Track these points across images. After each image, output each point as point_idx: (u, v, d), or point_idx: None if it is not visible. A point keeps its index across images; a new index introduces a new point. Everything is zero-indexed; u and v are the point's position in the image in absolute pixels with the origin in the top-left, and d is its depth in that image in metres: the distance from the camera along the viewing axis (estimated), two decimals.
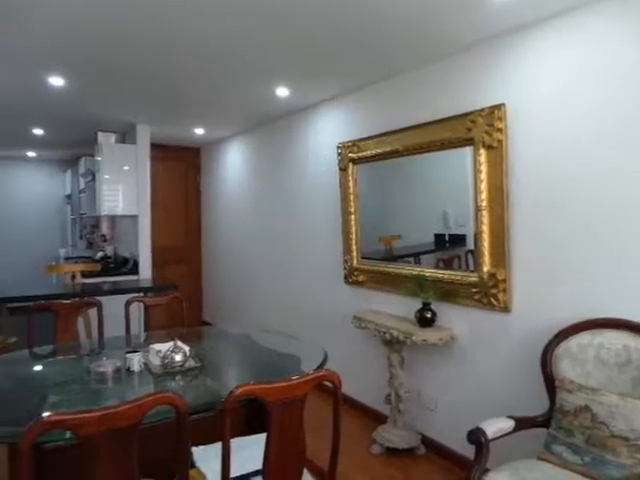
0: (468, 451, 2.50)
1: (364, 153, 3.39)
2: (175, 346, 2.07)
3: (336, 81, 3.40)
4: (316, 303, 4.06)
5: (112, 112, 4.42)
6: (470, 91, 2.69)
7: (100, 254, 6.15)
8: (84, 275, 4.34)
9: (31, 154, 7.11)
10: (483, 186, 2.59)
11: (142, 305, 3.18)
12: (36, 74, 3.16)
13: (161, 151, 5.66)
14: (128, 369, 2.04)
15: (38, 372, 2.34)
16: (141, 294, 3.55)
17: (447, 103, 2.81)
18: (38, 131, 5.26)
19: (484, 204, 2.59)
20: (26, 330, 2.71)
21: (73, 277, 4.12)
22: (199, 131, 5.25)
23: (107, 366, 2.00)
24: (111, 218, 6.41)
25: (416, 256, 3.23)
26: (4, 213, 7.52)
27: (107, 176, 4.78)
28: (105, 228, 6.91)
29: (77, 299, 3.13)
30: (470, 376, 2.74)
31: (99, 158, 4.89)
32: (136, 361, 2.04)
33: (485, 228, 2.59)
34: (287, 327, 4.15)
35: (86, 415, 1.17)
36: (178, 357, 2.02)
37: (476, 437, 1.93)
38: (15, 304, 3.48)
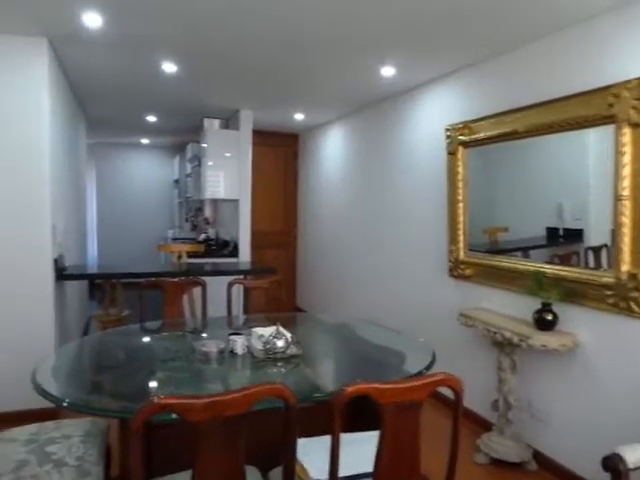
0: (592, 474, 2.20)
1: (476, 135, 3.11)
2: (277, 332, 2.02)
3: (447, 56, 3.13)
4: (417, 296, 3.86)
5: (217, 98, 4.54)
6: (610, 61, 2.30)
7: (203, 236, 6.46)
8: (189, 255, 4.53)
9: (145, 141, 7.64)
10: (626, 172, 2.21)
11: (242, 287, 3.22)
12: (152, 60, 3.30)
13: (261, 137, 5.75)
14: (231, 351, 2.03)
15: (147, 346, 2.43)
16: (241, 276, 3.61)
17: (580, 76, 2.45)
18: (151, 118, 5.59)
19: (626, 193, 2.21)
20: (138, 304, 2.85)
21: (179, 257, 4.33)
22: (299, 116, 5.24)
23: (211, 346, 2.00)
24: (214, 202, 6.68)
25: (525, 250, 2.92)
26: (123, 196, 8.22)
27: (211, 162, 4.94)
28: (208, 211, 7.24)
29: (183, 278, 3.25)
30: (596, 390, 2.40)
31: (204, 144, 5.07)
32: (239, 344, 2.02)
33: (626, 221, 2.22)
34: (385, 320, 4.01)
35: (193, 401, 1.14)
36: (280, 343, 1.97)
37: (613, 464, 1.65)
38: (129, 280, 3.72)
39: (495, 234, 3.16)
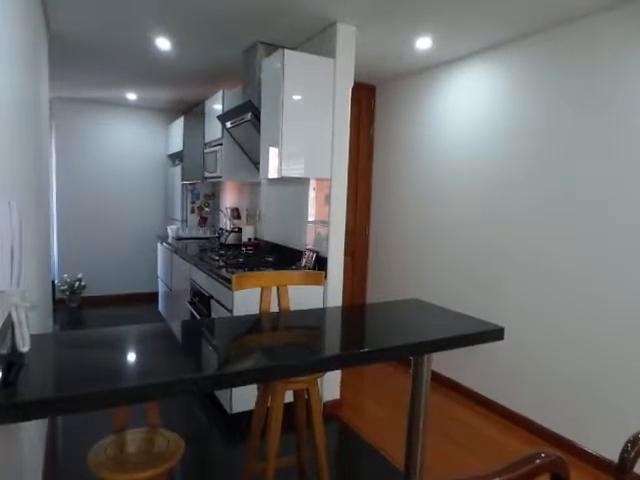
0: None
1: None
2: None
3: None
4: None
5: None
6: None
7: (231, 237, 4.26)
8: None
9: (131, 96, 5.26)
10: None
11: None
12: None
13: None
14: None
15: None
16: None
17: None
18: (163, 43, 3.32)
19: None
20: None
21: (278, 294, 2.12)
22: (424, 44, 3.12)
23: None
24: (247, 185, 4.48)
25: None
26: (95, 178, 5.77)
27: (289, 112, 2.76)
28: (231, 198, 5.01)
29: None
30: None
31: (269, 81, 2.89)
32: None
33: None
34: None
35: None
36: None
37: None
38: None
39: None
